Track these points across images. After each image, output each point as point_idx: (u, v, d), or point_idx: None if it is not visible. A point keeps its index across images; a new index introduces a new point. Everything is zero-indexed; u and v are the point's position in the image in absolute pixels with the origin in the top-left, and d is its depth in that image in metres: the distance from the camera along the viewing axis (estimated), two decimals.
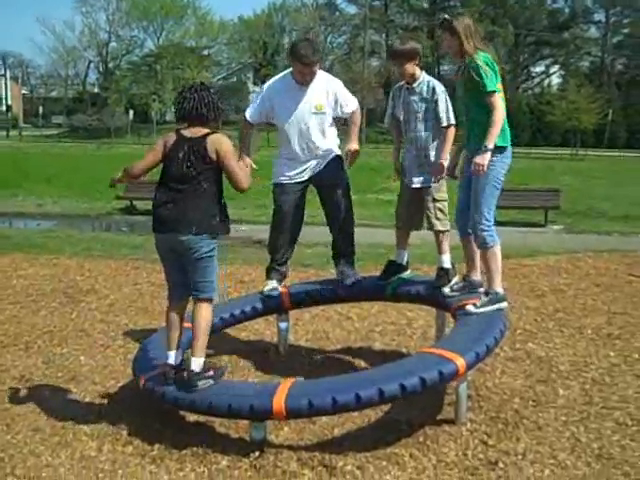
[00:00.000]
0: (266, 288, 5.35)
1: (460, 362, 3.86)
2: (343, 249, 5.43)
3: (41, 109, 66.16)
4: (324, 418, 4.17)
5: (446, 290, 4.97)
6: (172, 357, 4.16)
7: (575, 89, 44.67)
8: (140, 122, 58.90)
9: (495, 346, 4.25)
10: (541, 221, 16.72)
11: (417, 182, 5.03)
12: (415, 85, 4.97)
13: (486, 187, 4.56)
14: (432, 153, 4.98)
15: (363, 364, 5.29)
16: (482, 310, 4.54)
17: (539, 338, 5.79)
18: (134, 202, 17.96)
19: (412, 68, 4.93)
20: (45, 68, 77.21)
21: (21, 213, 17.94)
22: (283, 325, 5.50)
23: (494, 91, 4.47)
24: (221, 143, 4.01)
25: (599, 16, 64.16)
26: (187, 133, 4.08)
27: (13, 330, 6.17)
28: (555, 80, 63.95)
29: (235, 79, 69.44)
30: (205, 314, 4.06)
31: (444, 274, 5.03)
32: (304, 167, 5.23)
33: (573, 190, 20.12)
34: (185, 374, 4.03)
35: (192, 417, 4.30)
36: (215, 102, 4.08)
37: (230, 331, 5.76)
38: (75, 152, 38.86)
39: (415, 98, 4.97)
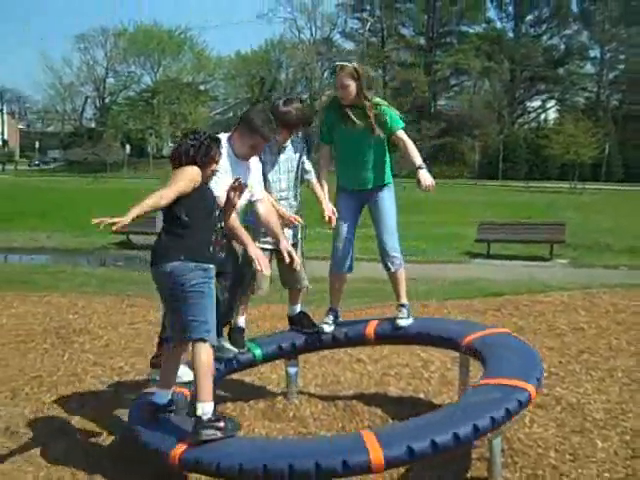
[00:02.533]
0: None
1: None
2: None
3: (37, 144, 66.18)
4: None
5: (325, 327, 4.95)
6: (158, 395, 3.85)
7: (572, 123, 44.75)
8: (136, 156, 58.95)
9: None
10: (546, 255, 16.41)
11: (293, 238, 4.77)
12: (287, 144, 4.72)
13: (393, 216, 4.87)
14: (299, 207, 4.85)
15: (380, 412, 4.82)
16: (411, 319, 4.88)
17: (567, 382, 5.35)
18: (130, 236, 17.54)
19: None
20: (42, 103, 77.49)
21: (13, 248, 17.51)
22: (292, 370, 5.07)
23: (404, 126, 4.77)
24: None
25: (594, 52, 64.83)
26: None
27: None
28: (552, 115, 64.27)
29: (232, 114, 69.60)
30: (197, 358, 3.60)
31: (306, 316, 5.02)
32: None
33: (575, 224, 19.81)
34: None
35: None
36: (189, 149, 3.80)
37: (234, 376, 5.30)
38: (71, 186, 38.60)
39: (288, 156, 4.73)
